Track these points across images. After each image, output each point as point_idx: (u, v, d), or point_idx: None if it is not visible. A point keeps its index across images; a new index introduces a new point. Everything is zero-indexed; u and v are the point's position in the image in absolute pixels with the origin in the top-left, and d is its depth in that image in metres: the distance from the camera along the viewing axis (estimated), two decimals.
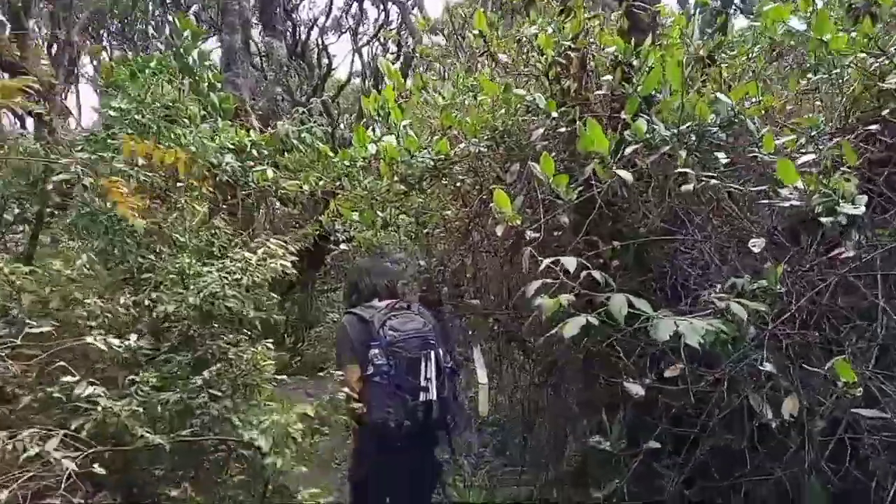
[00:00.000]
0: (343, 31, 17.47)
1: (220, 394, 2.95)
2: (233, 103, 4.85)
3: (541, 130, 3.86)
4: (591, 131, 3.12)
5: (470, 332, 5.10)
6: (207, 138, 3.70)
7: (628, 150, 3.31)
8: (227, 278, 3.14)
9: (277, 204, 6.15)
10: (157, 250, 3.36)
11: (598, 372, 3.93)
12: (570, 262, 2.56)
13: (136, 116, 3.63)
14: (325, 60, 16.16)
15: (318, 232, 6.89)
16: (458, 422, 3.34)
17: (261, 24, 9.81)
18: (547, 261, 2.65)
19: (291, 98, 10.59)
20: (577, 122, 3.59)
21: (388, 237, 5.78)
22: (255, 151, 4.90)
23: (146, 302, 3.02)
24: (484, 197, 4.37)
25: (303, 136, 5.83)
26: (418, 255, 5.62)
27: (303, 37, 15.86)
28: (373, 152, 4.50)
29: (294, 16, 13.27)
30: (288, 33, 13.72)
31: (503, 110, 4.20)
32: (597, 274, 2.68)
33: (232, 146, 4.54)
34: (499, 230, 3.37)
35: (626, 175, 3.13)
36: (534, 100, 3.88)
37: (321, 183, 4.94)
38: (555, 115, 3.72)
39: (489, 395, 5.00)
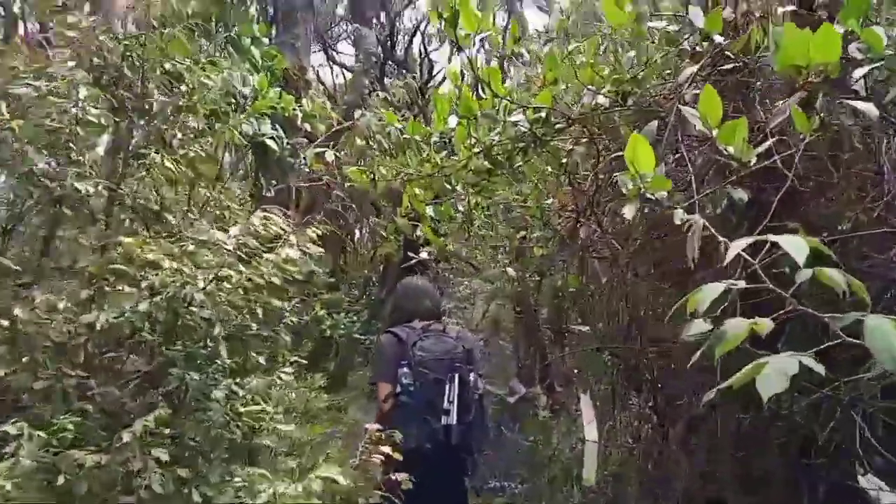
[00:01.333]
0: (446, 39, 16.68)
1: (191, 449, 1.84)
2: (284, 65, 3.88)
3: (693, 69, 2.56)
4: (792, 38, 1.81)
5: (575, 372, 3.79)
6: (217, 77, 2.69)
7: (857, 72, 1.96)
8: (207, 275, 2.06)
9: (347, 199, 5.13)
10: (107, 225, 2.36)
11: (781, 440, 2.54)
12: (797, 248, 1.27)
13: None
14: (427, 67, 15.38)
15: (394, 236, 5.82)
16: (482, 448, 3.21)
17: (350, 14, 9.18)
18: (740, 244, 1.38)
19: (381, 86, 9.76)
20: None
21: (468, 240, 4.64)
22: (307, 127, 3.89)
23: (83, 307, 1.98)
24: (602, 176, 3.09)
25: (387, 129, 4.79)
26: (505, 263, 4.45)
27: (402, 40, 15.19)
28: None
29: (389, 7, 12.52)
30: (383, 28, 13.00)
31: (632, 52, 2.93)
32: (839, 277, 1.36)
33: (273, 111, 3.56)
34: (628, 211, 2.14)
35: (868, 108, 1.78)
36: (681, 23, 2.59)
37: (399, 176, 3.84)
38: (719, 37, 2.40)
39: (599, 457, 3.69)
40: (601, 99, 2.89)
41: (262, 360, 2.54)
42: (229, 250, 2.10)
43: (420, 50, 16.31)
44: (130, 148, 2.43)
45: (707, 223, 1.73)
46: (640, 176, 1.90)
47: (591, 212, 2.99)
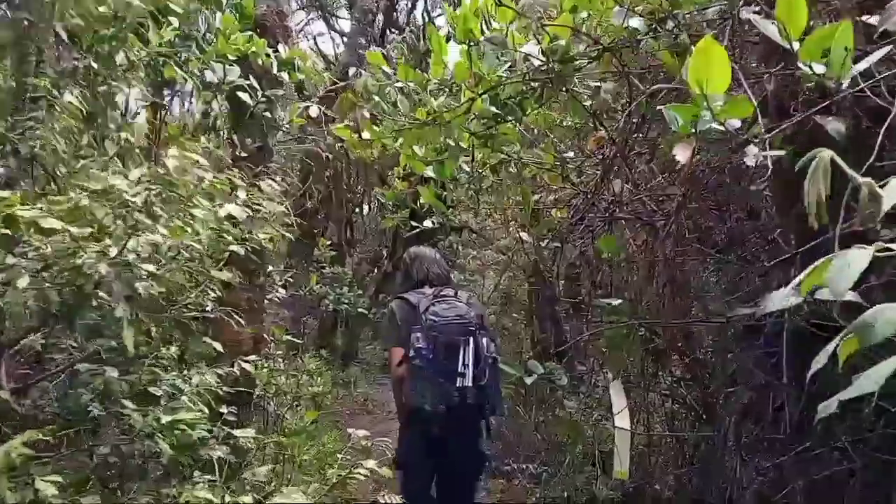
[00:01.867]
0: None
1: None
2: (253, 4, 3.34)
3: None
4: None
5: (603, 351, 3.33)
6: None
7: None
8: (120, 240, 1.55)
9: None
10: None
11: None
12: None
13: None
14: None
15: (398, 206, 5.32)
16: (497, 411, 3.17)
17: None
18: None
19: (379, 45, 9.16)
20: None
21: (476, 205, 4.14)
22: (286, 76, 3.36)
23: None
24: (635, 119, 2.54)
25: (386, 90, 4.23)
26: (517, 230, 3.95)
27: (405, 6, 14.43)
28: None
29: None
30: None
31: None
32: None
33: (244, 58, 3.04)
34: (680, 153, 1.65)
35: None
36: None
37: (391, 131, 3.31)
38: None
39: (631, 447, 3.25)
40: (634, 22, 2.33)
41: (201, 347, 2.04)
42: (132, 203, 1.56)
43: (423, 16, 15.55)
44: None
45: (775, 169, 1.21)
46: (708, 100, 1.37)
47: (623, 163, 2.45)
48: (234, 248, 1.91)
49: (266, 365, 3.62)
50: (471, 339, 2.98)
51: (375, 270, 10.41)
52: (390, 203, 10.02)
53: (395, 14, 13.97)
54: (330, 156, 5.94)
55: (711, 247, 2.71)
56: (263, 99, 3.29)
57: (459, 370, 2.93)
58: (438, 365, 2.93)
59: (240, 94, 3.16)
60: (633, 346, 3.12)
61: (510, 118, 2.78)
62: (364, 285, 8.53)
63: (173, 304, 1.82)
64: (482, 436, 3.19)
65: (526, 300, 6.71)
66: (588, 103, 2.65)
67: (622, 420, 3.10)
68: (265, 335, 3.25)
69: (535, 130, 3.16)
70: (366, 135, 3.47)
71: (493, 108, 2.69)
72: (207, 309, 2.00)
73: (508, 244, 7.11)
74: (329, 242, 6.31)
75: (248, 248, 2.03)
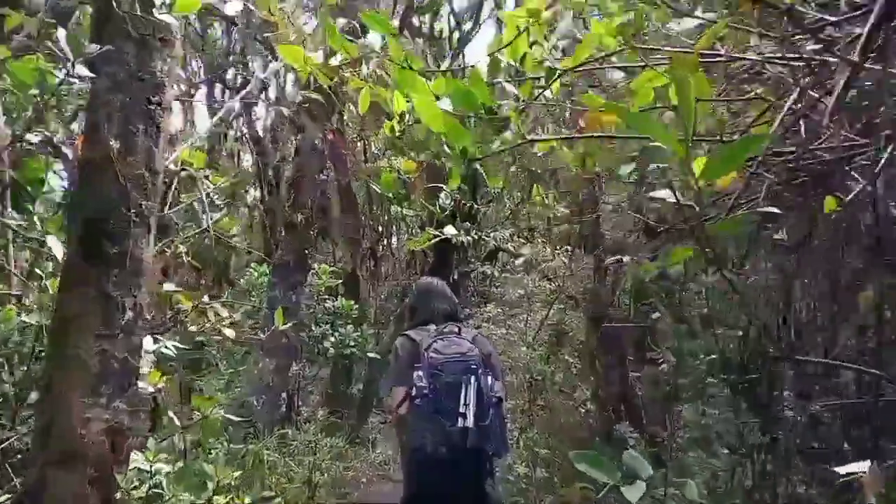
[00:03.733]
0: None
1: None
2: None
3: None
4: None
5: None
6: None
7: None
8: None
9: None
10: None
11: None
12: None
13: None
14: None
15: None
16: (501, 452, 3.01)
17: None
18: None
19: None
20: None
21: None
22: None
23: None
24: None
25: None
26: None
27: None
28: None
29: None
30: None
31: None
32: None
33: None
34: None
35: None
36: None
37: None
38: None
39: None
40: None
41: None
42: None
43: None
44: None
45: None
46: None
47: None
48: None
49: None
50: (472, 378, 2.91)
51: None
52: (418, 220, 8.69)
53: None
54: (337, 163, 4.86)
55: None
56: None
57: (461, 410, 2.85)
58: (439, 404, 2.88)
59: None
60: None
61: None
62: (386, 323, 7.33)
63: None
64: (487, 478, 3.08)
65: (583, 339, 5.42)
66: None
67: None
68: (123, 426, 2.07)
69: None
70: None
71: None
72: None
73: (557, 267, 5.85)
74: (332, 270, 5.11)
75: None
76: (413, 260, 15.58)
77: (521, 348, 5.65)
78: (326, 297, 4.80)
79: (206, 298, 2.53)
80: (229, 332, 2.45)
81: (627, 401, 4.56)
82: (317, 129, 4.45)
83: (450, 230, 2.95)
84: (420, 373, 2.91)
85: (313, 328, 4.70)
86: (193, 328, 2.61)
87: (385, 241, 16.52)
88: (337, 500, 4.60)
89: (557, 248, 5.74)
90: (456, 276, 8.19)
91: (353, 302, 5.01)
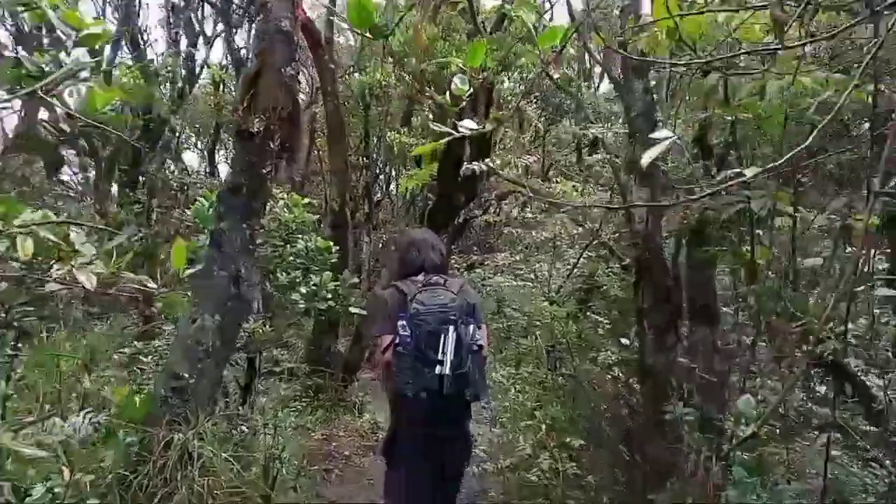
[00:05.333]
0: None
1: None
2: None
3: None
4: None
5: None
6: None
7: None
8: None
9: None
10: None
11: None
12: None
13: None
14: None
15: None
16: (481, 398, 3.23)
17: None
18: None
19: None
20: None
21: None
22: None
23: None
24: None
25: None
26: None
27: None
28: None
29: None
30: None
31: None
32: None
33: None
34: None
35: None
36: None
37: None
38: None
39: None
40: None
41: None
42: None
43: None
44: None
45: None
46: None
47: None
48: None
49: None
50: (451, 328, 3.06)
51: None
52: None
53: None
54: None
55: None
56: None
57: (439, 358, 3.01)
58: (419, 353, 3.03)
59: None
60: None
61: None
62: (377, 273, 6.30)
63: None
64: (466, 422, 3.31)
65: (617, 293, 4.38)
66: None
67: None
68: None
69: None
70: None
71: None
72: None
73: (590, 213, 4.76)
74: (306, 202, 4.02)
75: None
76: (412, 205, 14.45)
77: (540, 303, 4.66)
78: (300, 236, 3.77)
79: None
80: (84, 279, 1.43)
81: (680, 374, 3.58)
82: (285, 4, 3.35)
83: (468, 124, 1.90)
84: (403, 322, 3.05)
85: (279, 275, 3.69)
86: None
87: (381, 178, 15.37)
88: (306, 496, 3.65)
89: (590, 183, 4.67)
90: (461, 221, 7.13)
91: (332, 243, 3.97)
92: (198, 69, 11.88)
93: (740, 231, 4.48)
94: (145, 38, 13.37)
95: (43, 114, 1.81)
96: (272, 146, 3.17)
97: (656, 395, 3.80)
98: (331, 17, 6.67)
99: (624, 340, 4.52)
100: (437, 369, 2.98)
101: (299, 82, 3.41)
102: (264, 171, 3.18)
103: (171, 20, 11.70)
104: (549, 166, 8.93)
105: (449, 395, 2.98)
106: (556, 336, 4.26)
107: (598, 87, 10.08)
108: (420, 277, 3.23)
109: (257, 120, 3.14)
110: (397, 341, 3.05)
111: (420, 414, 3.04)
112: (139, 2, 11.96)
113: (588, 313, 4.66)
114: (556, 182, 5.84)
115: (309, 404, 6.12)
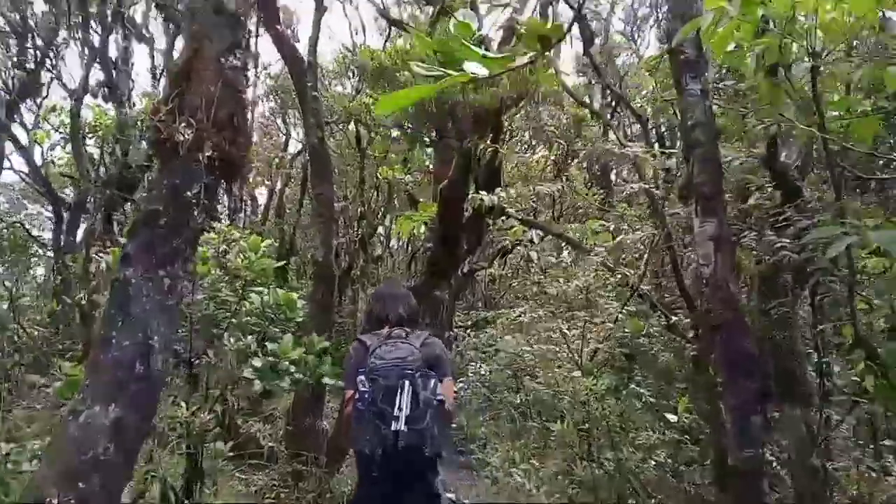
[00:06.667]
0: None
1: None
2: None
3: None
4: None
5: None
6: None
7: None
8: None
9: None
10: None
11: None
12: None
13: None
14: None
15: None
16: (443, 454, 3.15)
17: None
18: None
19: None
20: None
21: None
22: None
23: None
24: None
25: None
26: None
27: None
28: None
29: None
30: None
31: None
32: None
33: None
34: None
35: None
36: None
37: None
38: None
39: None
40: None
41: None
42: None
43: None
44: None
45: None
46: None
47: None
48: None
49: None
50: (406, 382, 3.01)
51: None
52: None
53: None
54: None
55: None
56: None
57: (395, 413, 2.97)
58: (376, 408, 2.99)
59: None
60: None
61: None
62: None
63: None
64: (431, 479, 3.18)
65: (667, 359, 3.42)
66: None
67: None
68: None
69: None
70: None
71: None
72: None
73: (626, 246, 3.81)
74: (266, 242, 3.08)
75: None
76: (413, 259, 13.54)
77: (569, 372, 3.69)
78: (254, 287, 2.87)
79: None
80: None
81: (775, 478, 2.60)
82: None
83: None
84: (362, 377, 3.03)
85: (225, 342, 2.77)
86: None
87: (380, 232, 14.51)
88: None
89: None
90: (465, 272, 6.27)
91: (295, 295, 3.08)
92: None
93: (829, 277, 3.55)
94: (130, 86, 12.95)
95: None
96: (202, 160, 2.29)
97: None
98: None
99: (671, 417, 3.58)
100: (393, 425, 2.95)
101: (247, 77, 2.55)
102: (190, 194, 2.29)
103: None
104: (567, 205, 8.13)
105: (407, 451, 2.95)
106: (595, 415, 3.29)
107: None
108: (384, 331, 3.22)
109: (184, 125, 2.28)
110: (357, 397, 3.03)
111: (379, 471, 2.99)
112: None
113: (631, 385, 3.69)
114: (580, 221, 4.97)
115: (287, 497, 5.11)
